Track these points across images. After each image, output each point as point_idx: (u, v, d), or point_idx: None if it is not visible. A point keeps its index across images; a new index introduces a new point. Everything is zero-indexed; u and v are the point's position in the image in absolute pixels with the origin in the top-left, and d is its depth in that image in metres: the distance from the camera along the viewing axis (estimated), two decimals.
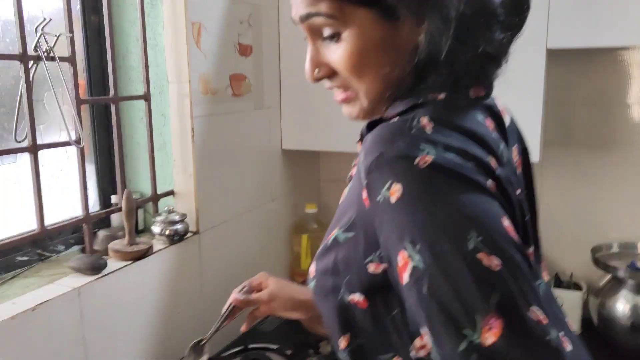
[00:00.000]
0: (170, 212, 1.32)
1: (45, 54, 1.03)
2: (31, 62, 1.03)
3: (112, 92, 1.24)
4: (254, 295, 1.00)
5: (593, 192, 1.73)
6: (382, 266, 0.62)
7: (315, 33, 0.66)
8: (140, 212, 1.42)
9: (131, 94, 1.37)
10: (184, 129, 1.36)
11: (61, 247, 1.29)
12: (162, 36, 1.34)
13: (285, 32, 1.68)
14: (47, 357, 1.01)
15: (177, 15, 1.31)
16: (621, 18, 1.36)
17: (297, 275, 1.83)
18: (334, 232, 0.68)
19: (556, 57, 1.59)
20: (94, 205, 1.38)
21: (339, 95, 0.70)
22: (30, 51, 1.03)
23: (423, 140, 0.58)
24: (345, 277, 0.65)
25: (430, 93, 0.64)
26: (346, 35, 0.63)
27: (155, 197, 1.38)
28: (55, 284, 1.07)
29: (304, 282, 1.59)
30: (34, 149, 1.04)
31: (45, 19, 1.01)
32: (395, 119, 0.63)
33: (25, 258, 1.19)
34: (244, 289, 1.02)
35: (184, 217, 1.34)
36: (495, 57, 0.65)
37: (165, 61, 1.35)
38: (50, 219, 1.13)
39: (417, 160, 0.56)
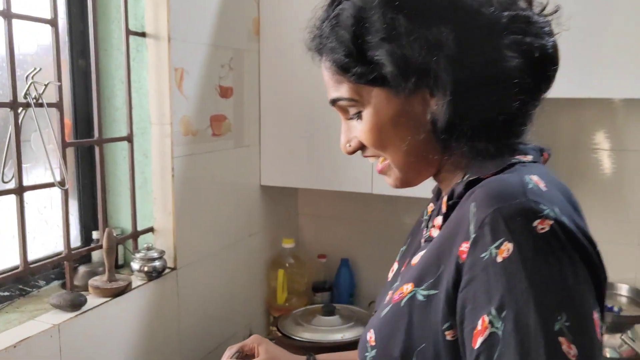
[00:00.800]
0: (149, 249, 1.37)
1: (34, 100, 1.08)
2: (20, 109, 1.09)
3: (96, 134, 1.30)
4: None
5: None
6: (458, 332, 0.60)
7: (344, 112, 0.74)
8: (120, 247, 1.46)
9: (115, 134, 1.42)
10: (164, 169, 1.41)
11: (42, 282, 1.32)
12: (146, 80, 1.40)
13: (266, 73, 1.75)
14: None
15: (161, 61, 1.38)
16: (599, 70, 1.41)
17: (273, 309, 1.87)
18: (407, 290, 0.65)
19: None
20: (76, 240, 1.42)
21: (378, 167, 0.76)
22: (20, 98, 1.09)
23: (541, 198, 0.58)
24: (419, 346, 0.62)
25: (517, 155, 0.66)
26: (366, 113, 0.70)
27: (135, 234, 1.42)
28: (36, 321, 1.11)
29: (279, 317, 1.63)
30: (20, 191, 1.09)
31: (35, 69, 1.07)
32: (501, 176, 0.63)
33: (6, 293, 1.23)
34: (237, 354, 0.98)
35: (162, 253, 1.38)
36: (516, 118, 0.66)
37: (148, 103, 1.41)
38: (31, 251, 1.16)
39: (536, 222, 0.56)
